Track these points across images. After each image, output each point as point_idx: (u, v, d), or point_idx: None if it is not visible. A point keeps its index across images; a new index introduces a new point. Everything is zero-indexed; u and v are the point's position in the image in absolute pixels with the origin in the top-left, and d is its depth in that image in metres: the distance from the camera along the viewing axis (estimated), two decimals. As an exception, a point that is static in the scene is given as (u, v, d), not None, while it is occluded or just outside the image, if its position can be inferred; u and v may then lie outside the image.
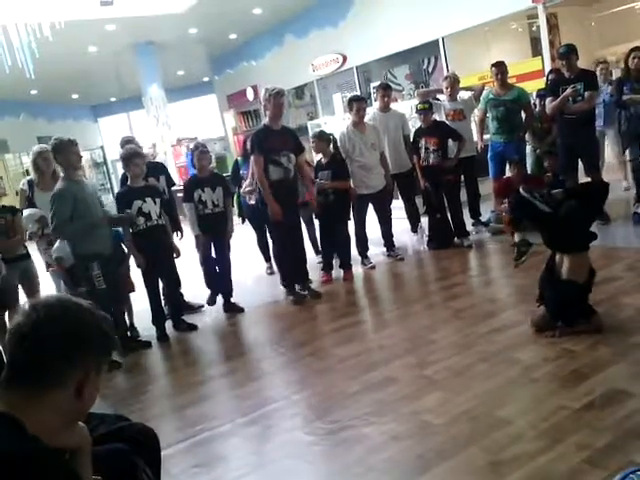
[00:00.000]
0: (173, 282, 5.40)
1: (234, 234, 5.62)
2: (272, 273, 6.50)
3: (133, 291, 5.31)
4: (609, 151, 7.68)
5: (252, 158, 5.28)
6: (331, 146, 5.96)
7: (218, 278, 5.56)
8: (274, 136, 5.19)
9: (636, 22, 9.39)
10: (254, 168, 5.24)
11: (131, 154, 5.04)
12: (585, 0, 10.12)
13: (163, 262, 5.12)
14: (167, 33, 12.99)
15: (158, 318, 5.14)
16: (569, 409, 2.75)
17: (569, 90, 5.78)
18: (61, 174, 4.66)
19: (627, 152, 6.82)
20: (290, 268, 5.53)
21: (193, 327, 5.25)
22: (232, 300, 5.58)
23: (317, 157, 6.20)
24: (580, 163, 6.23)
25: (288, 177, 5.22)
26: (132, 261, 5.10)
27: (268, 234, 5.90)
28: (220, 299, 5.64)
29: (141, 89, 14.16)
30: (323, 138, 5.95)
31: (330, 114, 12.57)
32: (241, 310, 5.49)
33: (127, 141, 5.98)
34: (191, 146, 6.22)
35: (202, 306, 5.81)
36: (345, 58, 13.04)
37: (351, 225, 6.16)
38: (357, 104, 6.08)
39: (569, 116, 5.89)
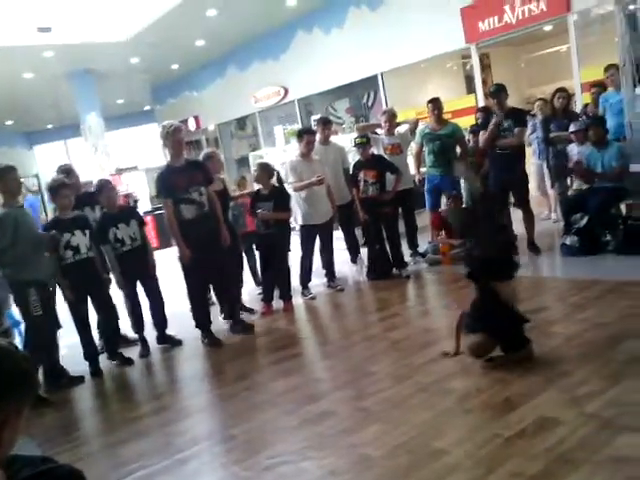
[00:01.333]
0: (108, 314, 5.19)
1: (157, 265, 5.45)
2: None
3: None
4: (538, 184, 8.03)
5: (162, 202, 5.10)
6: (273, 179, 6.00)
7: (153, 315, 5.40)
8: (179, 174, 4.97)
9: (561, 64, 9.91)
10: (164, 211, 5.05)
11: (58, 185, 4.89)
12: (515, 42, 10.62)
13: (95, 295, 4.97)
14: (107, 61, 12.85)
15: (90, 353, 4.97)
16: (502, 437, 2.81)
17: (495, 119, 6.05)
18: (0, 200, 4.49)
19: (555, 186, 7.17)
20: (205, 311, 5.36)
21: (129, 361, 5.10)
22: (168, 333, 5.44)
23: (257, 187, 6.21)
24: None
25: (203, 212, 5.01)
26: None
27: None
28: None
29: (79, 117, 13.90)
30: (267, 170, 5.98)
31: (271, 145, 12.66)
32: (179, 343, 5.36)
33: (65, 170, 5.82)
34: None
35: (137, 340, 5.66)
36: (287, 91, 13.22)
37: (292, 255, 6.17)
38: (307, 137, 6.16)
39: (500, 151, 6.15)
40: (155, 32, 11.21)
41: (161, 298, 5.41)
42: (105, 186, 5.29)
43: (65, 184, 4.95)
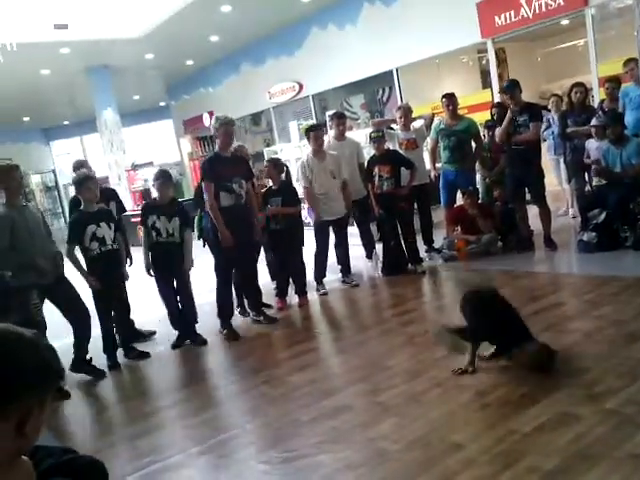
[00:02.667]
0: (125, 308, 5.28)
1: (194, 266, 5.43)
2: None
3: None
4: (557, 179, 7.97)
5: (204, 185, 5.23)
6: (283, 175, 6.04)
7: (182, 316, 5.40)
8: (224, 163, 5.19)
9: (578, 58, 9.83)
10: (206, 195, 5.19)
11: (84, 178, 4.98)
12: (531, 36, 10.53)
13: (115, 288, 5.03)
14: (123, 58, 12.92)
15: (110, 346, 5.02)
16: (519, 433, 2.80)
17: (509, 114, 6.01)
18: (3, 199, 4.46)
19: (572, 181, 7.11)
20: (230, 300, 5.42)
21: (145, 355, 5.14)
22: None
23: (268, 183, 6.25)
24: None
25: (239, 203, 5.19)
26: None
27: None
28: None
29: (95, 113, 14.00)
30: (277, 165, 6.04)
31: (286, 141, 12.67)
32: (204, 342, 5.27)
33: (80, 164, 5.91)
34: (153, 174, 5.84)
35: (153, 333, 5.70)
36: (301, 86, 13.21)
37: (307, 250, 6.18)
38: (314, 133, 6.17)
39: (516, 147, 6.11)
40: (170, 28, 11.26)
41: (191, 300, 5.41)
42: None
43: (90, 177, 5.03)
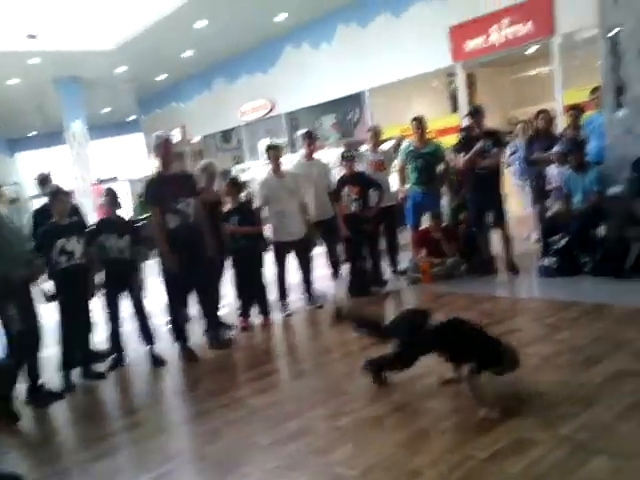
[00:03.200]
0: (87, 326, 5.13)
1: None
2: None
3: None
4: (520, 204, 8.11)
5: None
6: (242, 194, 6.00)
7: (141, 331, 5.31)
8: (168, 183, 5.04)
9: (545, 85, 10.08)
10: (151, 218, 5.06)
11: (57, 190, 4.97)
12: (500, 62, 10.78)
13: (80, 305, 4.93)
14: (94, 69, 12.83)
15: (68, 366, 4.90)
16: (476, 459, 2.81)
17: (479, 144, 6.11)
18: None
19: (536, 207, 7.24)
20: (183, 323, 5.31)
21: (101, 375, 5.04)
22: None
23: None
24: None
25: (186, 222, 5.04)
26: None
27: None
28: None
29: (63, 124, 13.82)
30: (235, 184, 5.99)
31: (256, 159, 12.68)
32: (162, 363, 5.18)
33: (43, 178, 5.84)
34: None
35: (111, 353, 5.55)
36: (274, 104, 13.28)
37: (270, 271, 6.14)
38: (273, 152, 6.17)
39: (479, 171, 6.21)
40: (143, 42, 11.22)
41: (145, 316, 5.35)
42: (58, 194, 5.07)
43: (63, 190, 5.00)
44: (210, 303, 5.57)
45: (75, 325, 4.96)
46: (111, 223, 5.24)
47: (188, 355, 5.15)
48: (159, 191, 5.01)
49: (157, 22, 10.32)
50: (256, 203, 6.20)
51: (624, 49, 5.76)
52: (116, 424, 4.06)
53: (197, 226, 5.14)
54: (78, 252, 4.84)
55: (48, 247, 4.74)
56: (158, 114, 17.35)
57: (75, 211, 5.89)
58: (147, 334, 5.29)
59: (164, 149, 5.08)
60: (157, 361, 5.18)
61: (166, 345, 5.35)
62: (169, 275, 5.10)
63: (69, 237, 4.80)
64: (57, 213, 4.88)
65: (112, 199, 5.31)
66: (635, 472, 2.50)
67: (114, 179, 15.15)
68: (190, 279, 5.17)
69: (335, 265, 6.86)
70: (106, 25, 10.67)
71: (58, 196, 4.90)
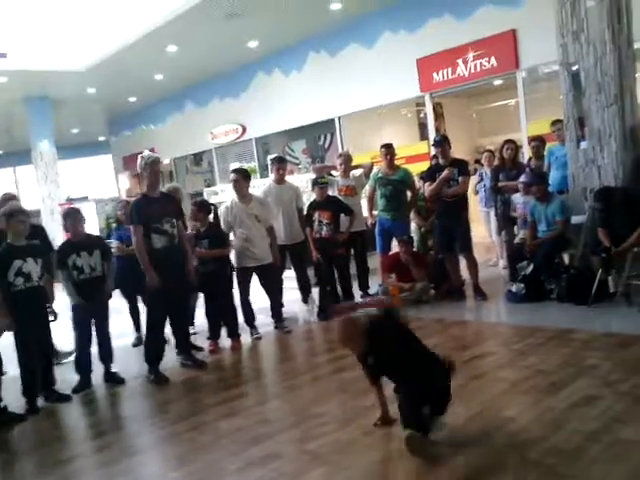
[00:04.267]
0: (47, 350, 5.03)
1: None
2: (138, 344, 6.20)
3: None
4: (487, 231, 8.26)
5: (132, 228, 5.09)
6: (210, 216, 5.96)
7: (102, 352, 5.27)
8: (154, 204, 5.08)
9: (510, 117, 10.38)
10: (133, 238, 5.06)
11: (17, 210, 4.84)
12: (467, 93, 11.06)
13: (38, 328, 4.80)
14: (63, 90, 12.73)
15: (30, 389, 4.75)
16: (447, 485, 2.81)
17: (445, 172, 6.23)
18: None
19: (503, 233, 7.39)
20: (160, 345, 5.25)
21: (66, 398, 4.90)
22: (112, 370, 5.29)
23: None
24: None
25: (173, 243, 5.08)
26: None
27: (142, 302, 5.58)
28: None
29: (31, 143, 13.63)
30: (202, 207, 5.93)
31: (227, 182, 12.66)
32: (121, 381, 5.19)
33: (8, 198, 5.73)
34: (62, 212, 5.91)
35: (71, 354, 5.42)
36: (245, 129, 13.34)
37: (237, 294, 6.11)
38: (234, 176, 6.13)
39: (445, 199, 6.32)
40: (114, 64, 11.20)
41: (108, 334, 5.30)
42: (71, 213, 5.29)
43: (22, 210, 4.90)
44: (186, 326, 5.58)
45: (33, 348, 4.82)
46: (79, 242, 5.17)
47: (159, 379, 5.08)
48: (145, 211, 5.00)
49: (128, 45, 10.32)
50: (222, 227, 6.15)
51: (584, 84, 5.99)
52: (80, 447, 3.94)
53: (182, 247, 5.18)
54: (35, 274, 4.72)
55: (4, 268, 4.62)
56: (127, 136, 17.25)
57: (39, 231, 5.81)
58: (109, 353, 5.24)
59: (150, 170, 5.09)
60: (116, 379, 5.18)
61: (132, 365, 5.25)
62: (153, 296, 5.09)
63: (26, 258, 4.69)
64: (14, 233, 4.77)
65: (75, 217, 5.23)
66: (602, 495, 2.54)
67: (85, 198, 14.91)
68: (173, 300, 5.16)
69: (305, 289, 6.86)
70: (77, 46, 10.62)
71: (17, 216, 4.78)
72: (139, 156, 5.24)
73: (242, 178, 6.15)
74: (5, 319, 4.58)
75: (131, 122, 16.82)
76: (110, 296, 5.32)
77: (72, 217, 5.26)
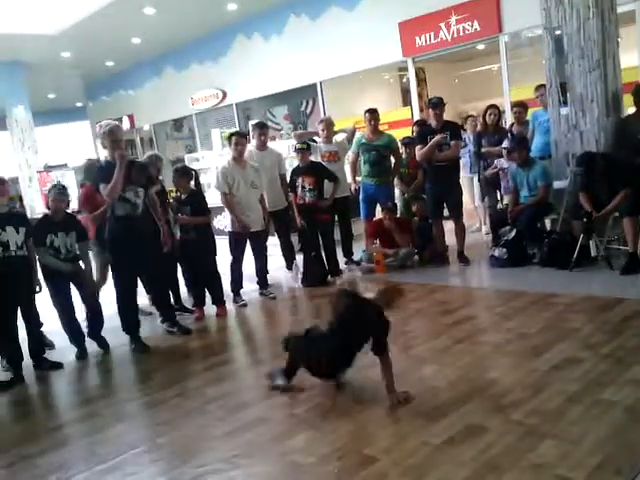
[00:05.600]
0: (33, 319, 4.96)
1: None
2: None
3: None
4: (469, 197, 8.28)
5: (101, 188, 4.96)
6: (192, 182, 5.89)
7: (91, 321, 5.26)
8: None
9: (493, 82, 10.31)
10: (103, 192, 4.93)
11: None
12: (450, 58, 10.95)
13: (21, 298, 4.74)
14: (36, 54, 12.37)
15: (15, 358, 4.72)
16: (431, 445, 2.86)
17: (438, 137, 6.19)
18: None
19: (486, 199, 7.42)
20: (133, 315, 5.21)
21: (57, 365, 4.89)
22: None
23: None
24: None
25: (135, 213, 4.97)
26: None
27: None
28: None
29: (5, 110, 13.29)
30: (184, 174, 5.84)
31: (209, 148, 12.51)
32: (106, 346, 5.22)
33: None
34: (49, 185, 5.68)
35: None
36: (225, 94, 13.12)
37: (222, 260, 6.08)
38: (236, 139, 6.09)
39: (437, 163, 6.29)
40: (88, 27, 10.89)
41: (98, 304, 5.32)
42: (58, 188, 5.16)
43: (1, 178, 4.84)
44: (164, 293, 5.54)
45: (15, 317, 4.78)
46: (57, 221, 5.08)
47: (140, 348, 5.08)
48: (107, 177, 4.86)
49: (102, 7, 10.02)
50: (219, 190, 6.08)
51: (567, 49, 5.95)
52: (66, 416, 3.95)
53: (147, 216, 5.09)
54: (14, 243, 4.63)
55: None
56: (106, 101, 16.89)
57: (17, 199, 5.71)
58: (99, 320, 5.26)
59: (110, 137, 4.93)
60: (103, 343, 5.22)
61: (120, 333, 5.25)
62: (115, 265, 5.05)
63: (4, 226, 4.61)
64: None
65: (61, 193, 5.13)
66: (583, 455, 2.60)
67: (64, 165, 14.62)
68: (140, 269, 5.12)
69: (289, 256, 6.86)
70: (48, 9, 10.29)
71: None
72: (97, 124, 5.14)
73: (242, 141, 6.10)
74: None
75: (109, 87, 16.45)
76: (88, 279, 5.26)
77: (57, 192, 5.12)
